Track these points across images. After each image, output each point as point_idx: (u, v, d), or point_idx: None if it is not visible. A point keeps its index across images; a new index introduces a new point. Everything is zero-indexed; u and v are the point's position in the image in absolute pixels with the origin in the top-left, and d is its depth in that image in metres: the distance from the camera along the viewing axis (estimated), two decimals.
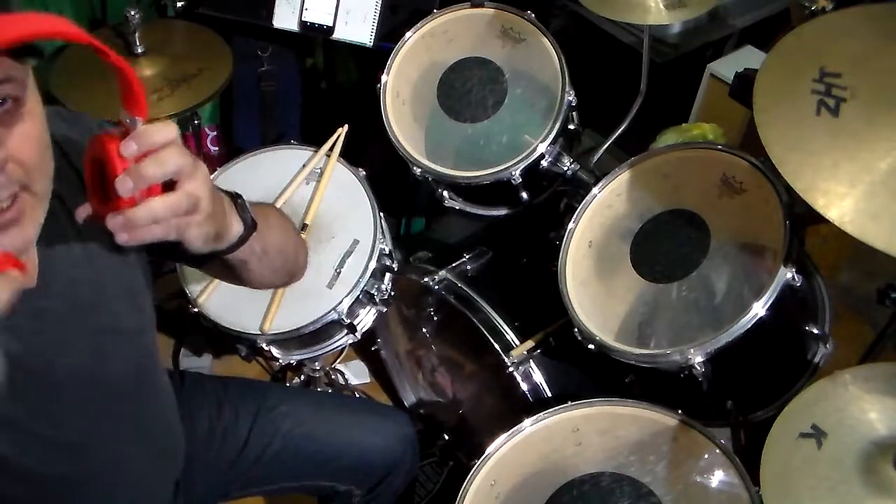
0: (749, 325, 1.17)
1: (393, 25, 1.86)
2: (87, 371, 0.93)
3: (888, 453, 0.98)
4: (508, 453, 1.25)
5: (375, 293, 1.61)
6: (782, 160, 1.05)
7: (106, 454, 0.98)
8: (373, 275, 1.58)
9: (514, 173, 1.55)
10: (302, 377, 2.00)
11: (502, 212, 1.73)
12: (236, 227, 0.91)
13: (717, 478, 1.14)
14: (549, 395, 1.51)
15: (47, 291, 0.87)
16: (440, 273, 1.61)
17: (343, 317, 1.55)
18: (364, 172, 1.69)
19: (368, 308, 1.65)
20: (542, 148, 1.55)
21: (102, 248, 0.95)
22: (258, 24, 1.93)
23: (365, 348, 2.01)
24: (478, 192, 1.67)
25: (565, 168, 1.62)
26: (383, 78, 1.67)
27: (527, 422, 1.27)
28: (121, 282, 0.98)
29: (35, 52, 0.73)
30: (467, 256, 1.71)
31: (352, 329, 1.62)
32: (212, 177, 1.71)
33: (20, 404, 0.86)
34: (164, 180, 0.74)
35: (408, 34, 1.69)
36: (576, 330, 1.36)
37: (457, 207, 1.74)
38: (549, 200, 1.71)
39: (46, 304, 0.88)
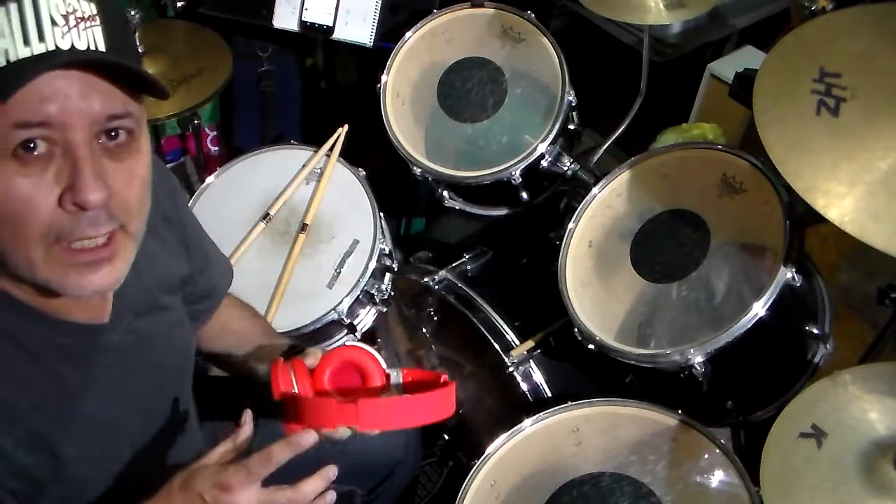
0: (749, 325, 1.17)
1: (393, 25, 1.86)
2: (147, 403, 0.97)
3: (888, 453, 0.97)
4: (508, 453, 1.25)
5: (375, 293, 1.61)
6: (782, 160, 1.05)
7: (142, 472, 0.98)
8: (373, 275, 1.58)
9: (514, 173, 1.55)
10: None
11: (502, 212, 1.73)
12: None
13: (717, 478, 1.14)
14: (549, 395, 1.51)
15: (117, 327, 0.91)
16: (440, 273, 1.61)
17: (343, 317, 1.55)
18: (364, 172, 1.69)
19: (368, 308, 1.65)
20: (542, 148, 1.55)
21: (164, 288, 1.01)
22: (258, 24, 1.93)
23: None
24: (478, 192, 1.67)
25: (565, 168, 1.62)
26: (383, 78, 1.68)
27: (527, 422, 1.27)
28: (177, 315, 1.05)
29: (156, 90, 0.76)
30: (467, 256, 1.71)
31: (352, 329, 1.62)
32: (211, 177, 1.73)
33: (82, 434, 0.88)
34: None
35: (408, 34, 1.70)
36: (576, 330, 1.36)
37: (457, 207, 1.74)
38: (549, 200, 1.71)
39: (116, 339, 0.91)
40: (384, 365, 0.98)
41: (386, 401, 0.88)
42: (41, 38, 0.69)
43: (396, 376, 0.98)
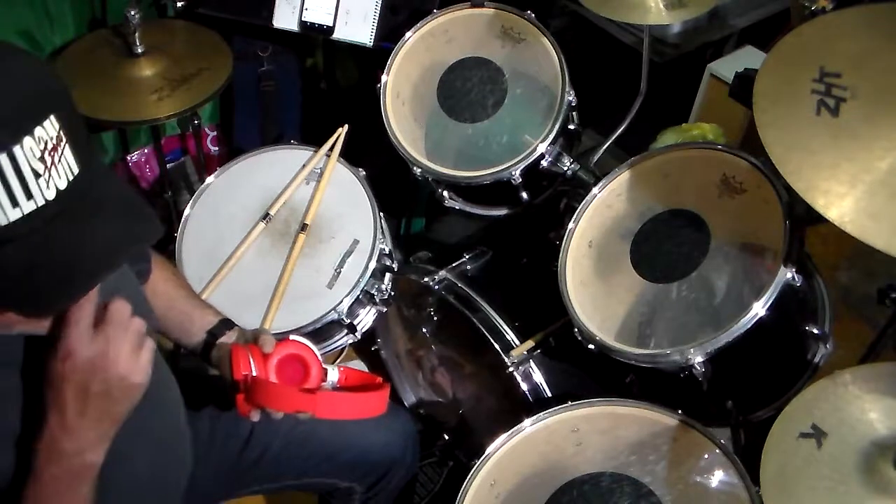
0: (749, 325, 1.17)
1: (393, 25, 1.86)
2: None
3: (888, 453, 0.97)
4: (508, 453, 1.25)
5: (375, 293, 1.61)
6: (782, 160, 1.05)
7: (121, 468, 0.98)
8: (373, 275, 1.58)
9: (514, 173, 1.55)
10: None
11: (502, 212, 1.73)
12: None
13: (717, 478, 1.14)
14: (549, 395, 1.51)
15: None
16: (440, 273, 1.61)
17: (343, 317, 1.55)
18: (364, 172, 1.69)
19: (368, 308, 1.65)
20: (542, 148, 1.55)
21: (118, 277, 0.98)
22: (258, 24, 1.93)
23: (365, 348, 2.00)
24: (478, 192, 1.67)
25: (565, 168, 1.62)
26: (383, 78, 1.68)
27: (527, 422, 1.27)
28: (135, 302, 1.02)
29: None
30: (467, 256, 1.71)
31: (352, 329, 1.62)
32: (211, 177, 1.73)
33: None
34: None
35: (408, 34, 1.70)
36: (576, 330, 1.36)
37: (457, 207, 1.74)
38: (549, 200, 1.71)
39: None
40: (322, 361, 1.10)
41: (339, 395, 1.07)
42: (28, 195, 0.67)
43: (333, 373, 1.12)
